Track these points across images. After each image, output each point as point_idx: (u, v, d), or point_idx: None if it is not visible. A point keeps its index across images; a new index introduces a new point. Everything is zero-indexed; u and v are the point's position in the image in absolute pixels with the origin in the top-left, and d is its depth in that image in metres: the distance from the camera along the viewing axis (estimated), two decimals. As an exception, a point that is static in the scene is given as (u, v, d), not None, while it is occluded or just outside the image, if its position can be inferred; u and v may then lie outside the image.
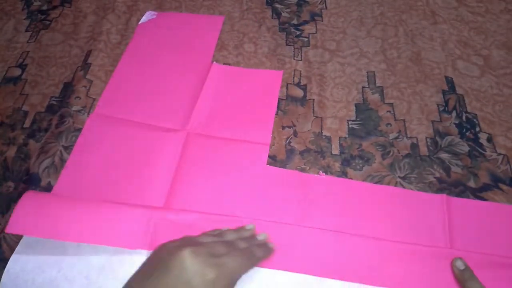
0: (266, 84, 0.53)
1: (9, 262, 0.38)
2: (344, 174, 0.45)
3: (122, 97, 0.52)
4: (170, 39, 0.58)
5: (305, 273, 0.38)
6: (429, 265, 0.38)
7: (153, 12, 0.62)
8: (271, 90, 0.52)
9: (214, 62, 0.55)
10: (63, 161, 0.46)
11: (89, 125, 0.49)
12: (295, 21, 0.61)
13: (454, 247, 0.39)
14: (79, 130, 0.48)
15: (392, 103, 0.51)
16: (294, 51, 0.57)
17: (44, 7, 0.63)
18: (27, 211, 0.38)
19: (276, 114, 0.50)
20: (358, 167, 0.46)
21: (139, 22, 0.60)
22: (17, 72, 0.55)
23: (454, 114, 0.50)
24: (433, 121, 0.49)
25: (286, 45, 0.58)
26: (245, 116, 0.49)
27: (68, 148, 0.47)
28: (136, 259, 0.38)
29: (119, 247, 0.38)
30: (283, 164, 0.46)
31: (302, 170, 0.45)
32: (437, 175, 0.45)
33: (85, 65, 0.55)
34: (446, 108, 0.51)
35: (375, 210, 0.42)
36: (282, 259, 0.38)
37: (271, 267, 0.38)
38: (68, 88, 0.53)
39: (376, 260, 0.38)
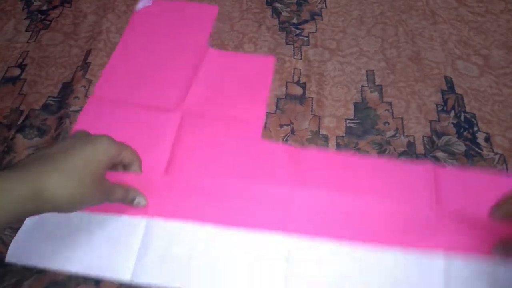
0: (259, 67, 0.59)
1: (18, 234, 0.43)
2: (341, 172, 0.48)
3: (119, 81, 0.57)
4: (165, 26, 0.63)
5: (299, 232, 0.42)
6: (415, 223, 0.42)
7: None
8: (264, 73, 0.58)
9: (210, 47, 0.60)
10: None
11: (87, 108, 0.53)
12: (295, 20, 0.64)
13: (441, 208, 0.44)
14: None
15: (390, 102, 0.54)
16: (294, 50, 0.60)
17: (44, 7, 0.67)
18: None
19: (274, 113, 0.53)
20: (355, 165, 0.48)
21: (135, 10, 0.65)
22: (17, 72, 0.58)
23: (452, 113, 0.53)
24: (431, 121, 0.52)
25: (286, 44, 0.61)
26: (240, 96, 0.55)
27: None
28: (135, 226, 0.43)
29: (120, 215, 0.44)
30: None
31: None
32: (433, 173, 0.48)
33: (85, 65, 0.58)
34: (445, 108, 0.53)
35: (365, 179, 0.47)
36: (280, 219, 0.43)
37: (267, 228, 0.42)
38: (67, 88, 0.56)
39: (365, 218, 0.43)
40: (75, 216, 0.43)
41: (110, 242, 0.42)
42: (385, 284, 0.40)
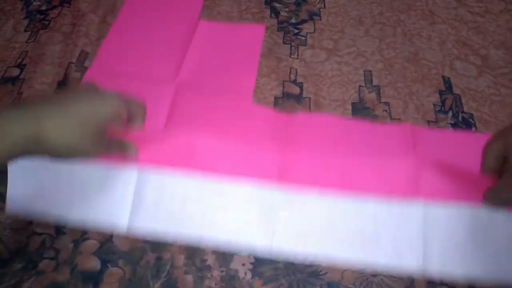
0: (249, 35, 0.62)
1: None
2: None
3: (115, 56, 0.60)
4: (158, 4, 0.66)
5: (287, 189, 0.45)
6: (395, 174, 0.45)
7: None
8: (255, 41, 0.61)
9: (201, 19, 0.63)
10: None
11: (84, 81, 0.56)
12: (293, 20, 0.64)
13: (419, 159, 0.46)
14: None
15: (388, 102, 0.54)
16: (291, 49, 0.61)
17: (43, 7, 0.67)
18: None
19: (272, 113, 0.54)
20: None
21: None
22: (16, 72, 0.59)
23: (450, 114, 0.53)
24: (428, 121, 0.52)
25: (284, 43, 0.61)
26: (232, 65, 0.59)
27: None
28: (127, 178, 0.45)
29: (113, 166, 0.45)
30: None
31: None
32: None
33: (82, 67, 0.59)
34: (443, 108, 0.54)
35: (348, 138, 0.50)
36: (268, 177, 0.45)
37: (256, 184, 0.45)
38: (62, 89, 0.56)
39: (348, 174, 0.45)
40: (66, 169, 0.44)
41: (104, 195, 0.44)
42: (366, 232, 0.43)
